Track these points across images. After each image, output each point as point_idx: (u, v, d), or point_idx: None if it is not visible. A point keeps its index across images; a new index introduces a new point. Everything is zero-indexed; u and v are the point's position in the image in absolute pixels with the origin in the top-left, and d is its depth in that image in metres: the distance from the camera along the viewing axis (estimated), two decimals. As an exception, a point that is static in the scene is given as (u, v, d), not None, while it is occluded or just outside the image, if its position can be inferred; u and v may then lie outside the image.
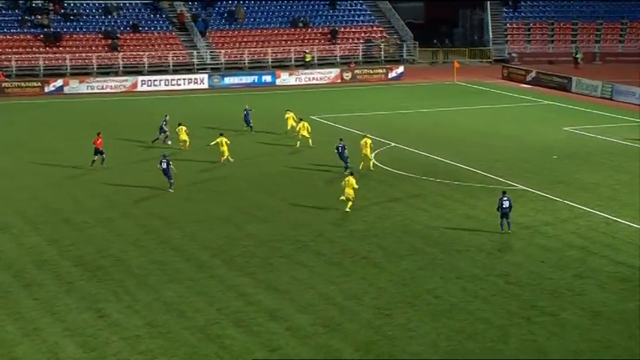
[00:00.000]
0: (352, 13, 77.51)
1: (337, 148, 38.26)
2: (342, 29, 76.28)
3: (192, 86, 64.98)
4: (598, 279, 25.67)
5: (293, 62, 72.27)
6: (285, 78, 66.77)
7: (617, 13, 78.78)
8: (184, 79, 65.54)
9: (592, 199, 34.00)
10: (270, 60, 71.94)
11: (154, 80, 64.60)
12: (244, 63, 71.34)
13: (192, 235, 30.28)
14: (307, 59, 70.85)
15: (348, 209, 32.33)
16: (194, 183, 37.10)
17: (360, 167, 38.13)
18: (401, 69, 69.12)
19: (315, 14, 76.79)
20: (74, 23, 71.17)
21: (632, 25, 77.93)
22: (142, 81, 64.26)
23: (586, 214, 32.05)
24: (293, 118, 45.12)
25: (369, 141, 38.75)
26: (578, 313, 23.43)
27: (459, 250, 28.43)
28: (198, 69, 69.37)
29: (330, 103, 56.52)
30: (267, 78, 66.73)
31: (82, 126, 49.83)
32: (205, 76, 66.11)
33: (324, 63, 72.51)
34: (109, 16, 72.31)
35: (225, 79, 66.16)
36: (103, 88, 63.22)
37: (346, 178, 32.91)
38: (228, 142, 40.07)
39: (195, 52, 70.76)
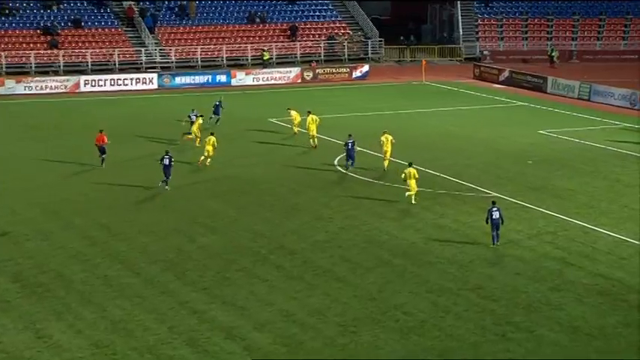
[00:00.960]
0: (313, 8, 77.73)
1: (346, 145, 39.13)
2: (303, 25, 76.44)
3: (140, 86, 64.62)
4: (576, 292, 26.00)
5: (250, 61, 72.22)
6: (241, 78, 66.70)
7: (595, 9, 79.98)
8: (131, 78, 65.16)
9: (569, 206, 34.46)
10: (224, 58, 71.81)
11: (98, 80, 64.13)
12: (197, 61, 71.10)
13: (141, 247, 30.12)
14: (265, 58, 70.86)
15: (414, 202, 34.14)
16: (142, 190, 36.89)
17: (386, 165, 39.10)
18: (366, 68, 69.45)
19: (273, 9, 76.87)
20: (10, 18, 70.40)
21: (610, 22, 79.14)
22: (85, 81, 63.75)
23: (563, 223, 32.47)
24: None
25: (390, 137, 39.66)
26: (555, 328, 23.69)
27: (429, 262, 28.61)
28: (146, 68, 68.99)
29: (290, 104, 56.47)
30: (222, 78, 66.60)
31: (19, 130, 49.28)
32: (154, 76, 65.78)
33: (283, 62, 72.56)
34: (49, 11, 71.65)
35: (176, 78, 65.91)
36: (42, 89, 62.61)
37: (407, 170, 34.35)
38: (216, 144, 40.02)
39: (143, 49, 70.39)
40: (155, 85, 65.05)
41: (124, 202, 35.15)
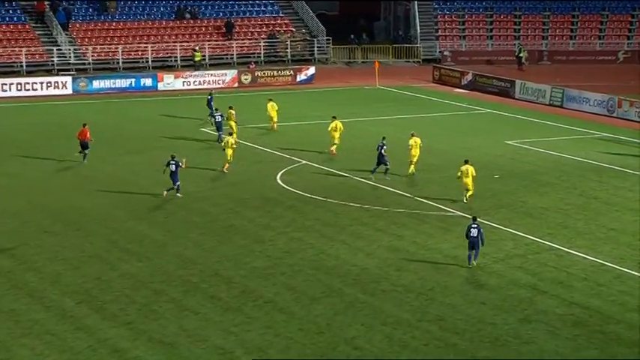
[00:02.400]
0: (252, 2, 77.93)
1: (378, 148, 40.65)
2: (240, 22, 76.54)
3: (51, 91, 64.02)
4: (548, 323, 26.33)
5: (179, 62, 72.06)
6: (169, 81, 66.49)
7: (567, 5, 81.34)
8: (42, 82, 64.56)
9: (540, 226, 34.92)
10: (150, 59, 71.55)
11: (2, 84, 63.41)
12: (118, 63, 70.73)
13: (53, 277, 29.80)
14: (197, 58, 70.75)
15: (465, 200, 36.40)
16: (52, 212, 36.53)
17: (410, 170, 41.10)
18: (312, 70, 69.74)
19: (205, 3, 76.90)
20: None
21: (584, 19, 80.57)
22: (-14, 85, 63.07)
23: (534, 245, 32.89)
24: (276, 110, 50.51)
25: (418, 140, 41.24)
26: (526, 363, 24.02)
27: (384, 291, 28.75)
28: (59, 70, 68.43)
29: (225, 111, 56.37)
30: (147, 81, 66.33)
31: None
32: (69, 79, 65.24)
33: (217, 63, 72.53)
34: (-56, 4, 70.77)
35: (94, 82, 65.46)
36: None
37: (464, 167, 36.34)
38: (234, 145, 42.02)
39: (55, 49, 69.81)
40: (69, 90, 64.49)
41: (32, 226, 34.74)
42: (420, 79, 69.85)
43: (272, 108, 50.98)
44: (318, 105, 59.74)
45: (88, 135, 43.25)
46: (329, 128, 45.91)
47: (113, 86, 65.60)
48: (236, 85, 67.32)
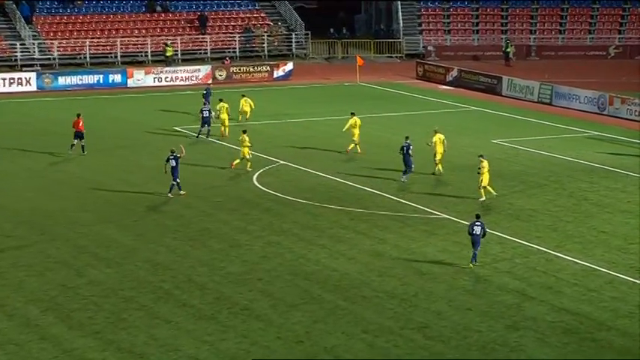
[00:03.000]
0: (226, -6, 77.87)
1: (402, 149, 40.81)
2: (214, 15, 76.44)
3: (14, 88, 63.76)
4: (537, 330, 26.42)
5: (150, 58, 71.90)
6: (139, 78, 66.34)
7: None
8: (4, 79, 64.34)
9: (529, 229, 35.04)
10: (119, 54, 71.35)
11: (-37, 81, 63.20)
12: (85, 58, 70.51)
13: (16, 283, 29.64)
14: (168, 54, 70.59)
15: (482, 199, 37.64)
16: (16, 213, 36.33)
17: (437, 169, 41.64)
18: (289, 66, 69.74)
19: (178, -5, 76.74)
20: None
21: (573, 12, 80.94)
22: (-55, 82, 62.79)
23: (522, 249, 33.00)
24: (250, 105, 52.56)
25: (442, 136, 41.70)
26: (514, 372, 24.11)
27: (366, 297, 28.77)
28: (22, 66, 68.18)
29: (199, 110, 56.32)
30: (116, 78, 66.16)
31: None
32: (33, 75, 65.01)
33: (190, 59, 72.41)
34: None
35: (60, 79, 65.23)
36: None
37: (483, 163, 37.57)
38: (249, 144, 42.35)
39: (18, 43, 69.49)
40: (34, 87, 64.26)
41: (-4, 229, 34.57)
42: (402, 76, 69.96)
43: (245, 103, 52.60)
44: (296, 102, 59.76)
45: (81, 124, 44.77)
46: (347, 125, 46.14)
47: (80, 83, 65.38)
48: (210, 81, 67.11)
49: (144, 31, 73.72)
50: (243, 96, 53.34)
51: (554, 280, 30.04)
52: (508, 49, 75.14)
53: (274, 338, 25.80)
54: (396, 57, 77.71)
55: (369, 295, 28.84)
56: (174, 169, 38.35)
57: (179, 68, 68.41)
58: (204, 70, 67.99)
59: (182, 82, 66.55)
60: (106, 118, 53.88)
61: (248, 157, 42.41)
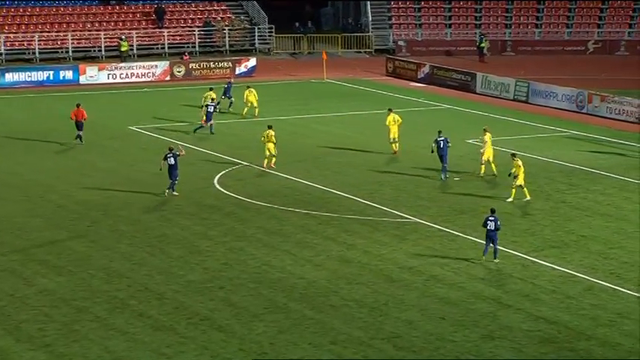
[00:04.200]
0: (185, -15, 77.66)
1: (437, 143, 41.66)
2: (172, 8, 76.25)
3: (-41, 85, 63.36)
4: (513, 340, 26.54)
5: (103, 53, 71.61)
6: (93, 74, 66.06)
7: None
8: (-53, 75, 63.92)
9: (505, 233, 35.18)
10: (70, 50, 71.01)
11: None
12: (34, 53, 70.08)
13: (-37, 294, 29.44)
14: (123, 49, 70.36)
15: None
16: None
17: (493, 170, 41.65)
18: (252, 62, 69.69)
19: (133, -13, 76.49)
20: None
21: (550, 5, 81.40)
22: None
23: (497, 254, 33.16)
24: (255, 96, 53.51)
25: (489, 135, 41.98)
26: (489, 384, 24.22)
27: (333, 306, 28.79)
28: (-33, 61, 67.71)
29: (157, 108, 56.14)
30: (68, 74, 65.84)
31: None
32: (-22, 72, 64.59)
33: (147, 54, 72.19)
34: None
35: (6, 75, 64.82)
36: None
37: (516, 160, 38.30)
38: (275, 140, 42.93)
39: (-37, 37, 68.97)
40: (-21, 84, 63.86)
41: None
42: (372, 72, 70.08)
43: (250, 94, 53.64)
44: (259, 100, 59.63)
45: (81, 114, 47.07)
46: (386, 122, 46.30)
47: (29, 79, 64.95)
48: (168, 78, 67.01)
49: (97, 24, 73.40)
50: (248, 87, 54.12)
51: (532, 287, 30.20)
52: (482, 44, 75.47)
53: (236, 350, 25.77)
54: (365, 52, 77.84)
55: (337, 304, 28.86)
56: (172, 167, 38.52)
57: (135, 64, 68.14)
58: (161, 66, 67.77)
59: (138, 79, 66.29)
60: (56, 117, 53.53)
61: (274, 152, 42.87)
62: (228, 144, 47.61)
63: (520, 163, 38.61)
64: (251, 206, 38.22)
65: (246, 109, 53.63)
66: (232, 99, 55.06)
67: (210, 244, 33.84)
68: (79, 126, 47.13)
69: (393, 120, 46.21)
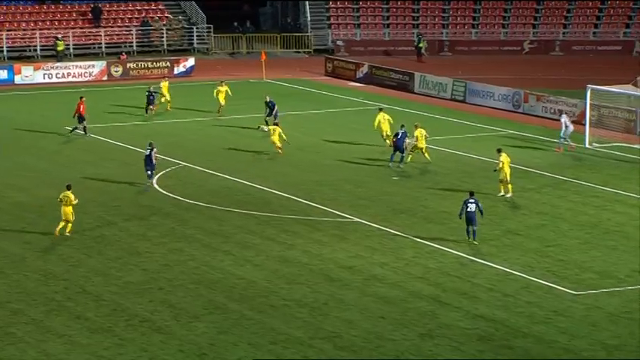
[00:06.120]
0: (122, -16, 77.14)
1: (396, 135, 43.16)
2: (108, 7, 75.69)
3: None
4: (452, 338, 26.71)
5: (39, 52, 70.90)
6: (28, 74, 65.41)
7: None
8: None
9: (443, 232, 35.42)
10: (5, 49, 70.18)
11: None
12: (-32, 53, 69.21)
13: None
14: (59, 48, 69.72)
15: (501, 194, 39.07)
16: None
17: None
18: (191, 62, 69.42)
19: (70, -15, 75.83)
20: None
21: (487, 6, 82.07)
22: None
23: (436, 253, 33.33)
24: (228, 92, 54.44)
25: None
26: (428, 383, 24.35)
27: (273, 306, 28.78)
28: None
29: (94, 108, 55.63)
30: (2, 74, 65.18)
31: None
32: None
33: (83, 54, 71.61)
34: None
35: (-61, 75, 64.00)
36: None
37: (502, 156, 38.52)
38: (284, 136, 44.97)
39: None
40: None
41: None
42: (311, 72, 70.14)
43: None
44: (197, 100, 59.40)
45: (83, 107, 48.50)
46: (375, 122, 46.86)
47: (-38, 79, 64.20)
48: (105, 77, 66.50)
49: (32, 24, 72.63)
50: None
51: (469, 286, 30.42)
52: (420, 45, 75.89)
53: (176, 351, 25.65)
54: (304, 52, 77.89)
55: (276, 304, 28.85)
56: (149, 160, 39.45)
57: (71, 64, 67.57)
58: (98, 65, 67.23)
59: (75, 79, 65.72)
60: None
61: (279, 144, 44.28)
62: (166, 144, 47.30)
63: (502, 158, 38.96)
64: (190, 207, 38.05)
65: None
66: (155, 101, 54.41)
67: (149, 245, 33.64)
68: (80, 118, 48.37)
69: (382, 118, 46.97)
